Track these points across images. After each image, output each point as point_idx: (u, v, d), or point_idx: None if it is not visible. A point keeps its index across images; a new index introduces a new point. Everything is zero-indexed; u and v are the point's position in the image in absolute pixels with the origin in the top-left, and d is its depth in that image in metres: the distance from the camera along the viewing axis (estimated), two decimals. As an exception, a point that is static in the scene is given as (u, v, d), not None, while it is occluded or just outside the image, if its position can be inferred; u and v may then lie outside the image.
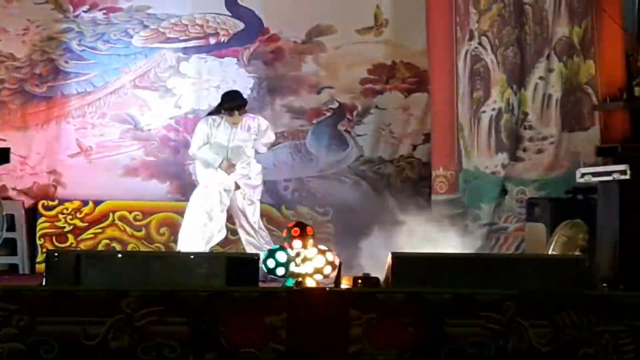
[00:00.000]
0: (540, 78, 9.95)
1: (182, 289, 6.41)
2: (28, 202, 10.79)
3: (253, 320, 6.35)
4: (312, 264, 7.26)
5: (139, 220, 10.80)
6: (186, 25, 11.14)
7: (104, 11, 11.04)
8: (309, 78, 11.28)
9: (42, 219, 10.71)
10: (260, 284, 6.99)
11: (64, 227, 10.72)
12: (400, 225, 8.89)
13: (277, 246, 7.68)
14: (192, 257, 7.25)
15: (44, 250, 10.29)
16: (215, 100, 10.03)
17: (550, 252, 8.44)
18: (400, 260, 6.88)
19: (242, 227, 9.63)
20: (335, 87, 11.29)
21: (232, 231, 9.87)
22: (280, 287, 7.01)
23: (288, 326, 6.36)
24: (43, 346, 6.21)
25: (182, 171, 10.94)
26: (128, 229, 10.78)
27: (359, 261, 8.56)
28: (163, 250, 10.58)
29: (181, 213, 9.92)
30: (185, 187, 10.66)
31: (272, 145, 10.28)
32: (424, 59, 11.03)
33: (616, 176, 7.83)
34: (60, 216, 10.74)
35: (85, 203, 10.78)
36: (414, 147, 11.31)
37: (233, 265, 6.76)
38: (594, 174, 8.23)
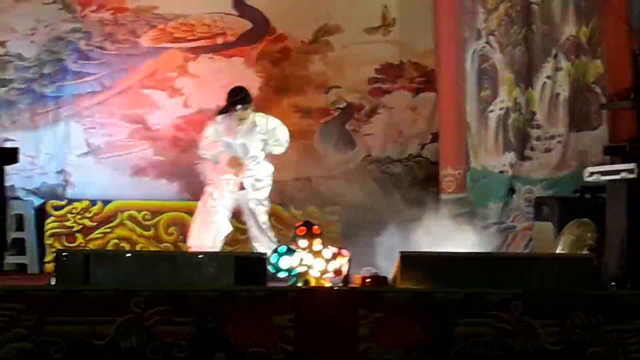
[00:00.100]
0: (548, 77, 9.93)
1: (191, 288, 6.42)
2: (37, 201, 10.82)
3: (261, 320, 6.35)
4: (319, 263, 7.26)
5: (148, 220, 10.82)
6: (193, 25, 11.16)
7: (112, 11, 11.06)
8: (317, 78, 11.30)
9: (51, 218, 10.73)
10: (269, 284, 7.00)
11: (73, 227, 10.74)
12: (408, 225, 8.88)
13: (285, 246, 7.68)
14: (200, 256, 7.24)
15: (53, 250, 10.28)
16: (223, 100, 10.04)
17: (558, 251, 8.43)
18: (408, 260, 6.88)
19: (251, 227, 9.61)
20: (342, 86, 11.30)
21: (241, 231, 9.87)
22: (287, 287, 7.00)
23: (296, 326, 6.36)
24: (52, 346, 6.22)
25: (191, 170, 10.90)
26: (137, 229, 10.80)
27: (367, 261, 8.54)
28: (172, 249, 10.59)
29: (190, 212, 9.92)
30: (194, 186, 10.62)
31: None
32: (431, 58, 11.04)
33: (624, 175, 7.80)
34: (69, 216, 10.75)
35: (94, 203, 10.80)
36: (422, 147, 11.32)
37: (241, 264, 6.77)
38: (602, 173, 8.19)
